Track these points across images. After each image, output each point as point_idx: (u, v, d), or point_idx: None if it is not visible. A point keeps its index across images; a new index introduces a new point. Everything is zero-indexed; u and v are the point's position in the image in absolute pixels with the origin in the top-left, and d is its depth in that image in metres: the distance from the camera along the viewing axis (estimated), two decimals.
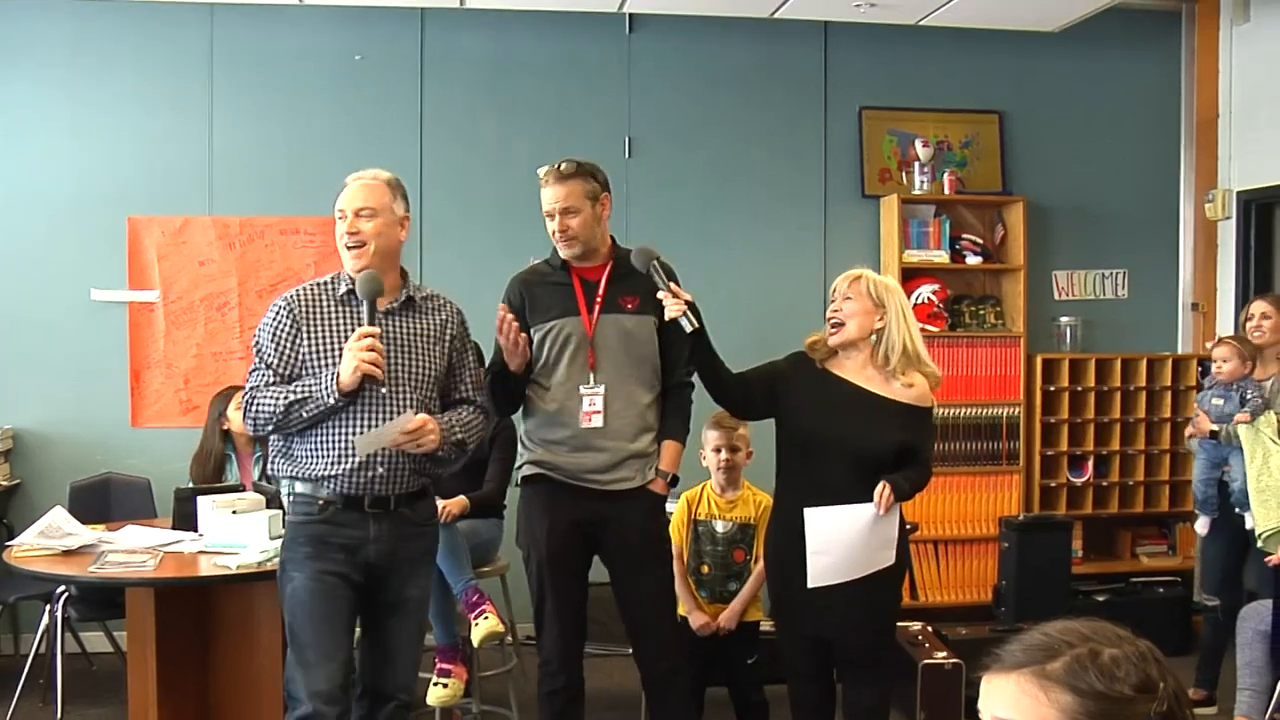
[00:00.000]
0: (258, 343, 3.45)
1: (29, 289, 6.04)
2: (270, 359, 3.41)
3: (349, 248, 3.45)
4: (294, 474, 3.43)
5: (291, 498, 3.45)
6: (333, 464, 3.38)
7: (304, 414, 3.33)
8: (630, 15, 6.40)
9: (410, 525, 3.51)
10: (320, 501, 3.39)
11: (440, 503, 4.59)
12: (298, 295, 3.46)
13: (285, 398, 3.32)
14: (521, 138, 6.30)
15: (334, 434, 3.38)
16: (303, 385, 3.34)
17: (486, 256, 6.05)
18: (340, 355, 3.35)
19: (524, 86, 6.41)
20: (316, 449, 3.39)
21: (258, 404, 3.36)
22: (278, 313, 3.43)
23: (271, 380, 3.39)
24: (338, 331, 3.42)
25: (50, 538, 4.34)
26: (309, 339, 3.41)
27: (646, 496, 3.85)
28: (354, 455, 3.36)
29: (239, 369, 6.06)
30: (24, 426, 6.04)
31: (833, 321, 3.72)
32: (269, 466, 3.58)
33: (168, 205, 6.14)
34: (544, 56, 6.43)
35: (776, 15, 6.25)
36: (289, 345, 3.41)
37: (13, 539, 4.64)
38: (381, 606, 3.47)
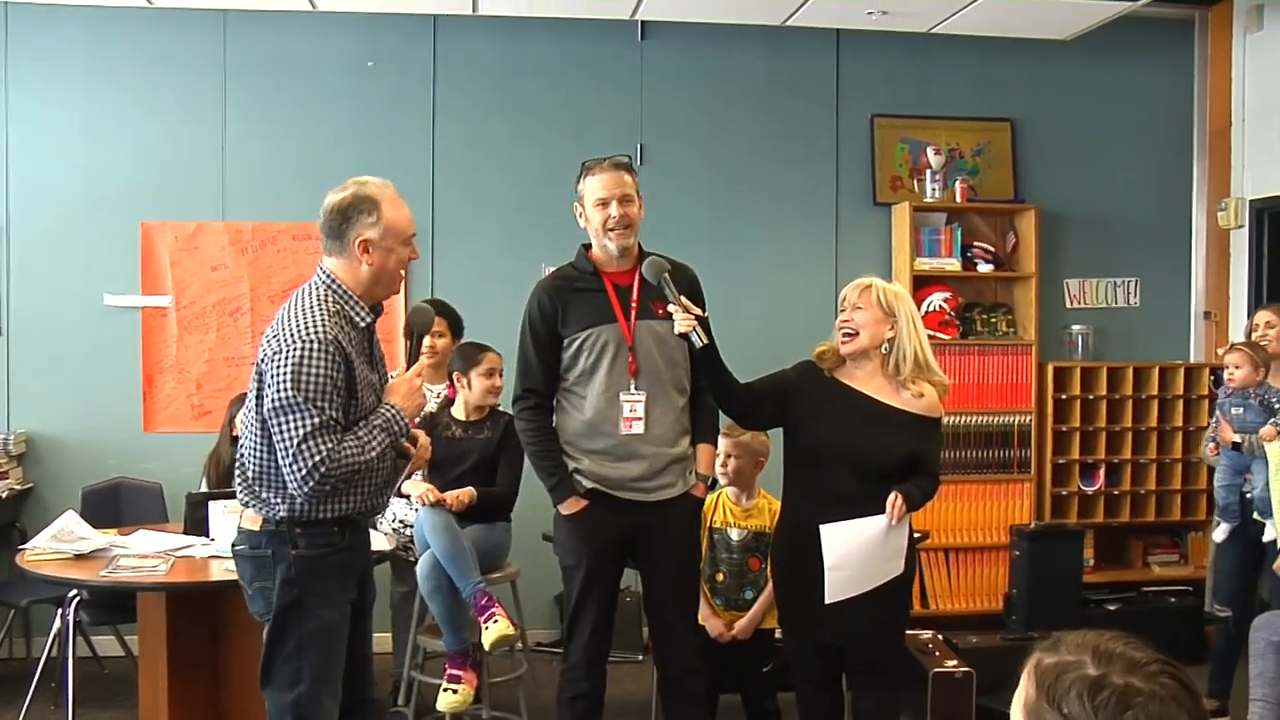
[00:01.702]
0: (312, 395, 3.01)
1: (42, 293, 6.07)
2: (335, 412, 3.05)
3: (400, 276, 3.28)
4: (312, 511, 3.14)
5: (299, 530, 3.15)
6: (364, 501, 3.22)
7: (379, 461, 3.16)
8: (643, 22, 6.41)
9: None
10: (335, 530, 3.19)
11: (452, 492, 4.60)
12: (336, 336, 3.07)
13: (370, 448, 3.10)
14: (533, 144, 6.31)
15: (374, 476, 3.22)
16: (378, 430, 3.14)
17: (497, 262, 6.08)
18: (370, 393, 3.20)
19: (536, 93, 6.42)
20: (351, 493, 3.18)
21: (342, 462, 3.04)
22: (330, 358, 3.04)
23: (339, 435, 3.06)
24: (370, 367, 3.25)
25: (62, 542, 4.37)
26: (358, 379, 3.14)
27: (687, 501, 3.89)
28: (388, 490, 3.31)
29: (250, 374, 6.06)
30: (37, 430, 6.07)
31: (845, 331, 3.71)
32: (241, 493, 3.27)
33: (181, 210, 6.17)
34: (557, 63, 6.44)
35: (789, 23, 6.25)
36: (345, 390, 3.09)
37: (25, 543, 4.67)
38: (360, 615, 3.36)
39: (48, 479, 6.02)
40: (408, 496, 4.67)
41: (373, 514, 3.37)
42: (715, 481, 3.97)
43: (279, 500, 3.15)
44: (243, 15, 6.17)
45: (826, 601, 3.61)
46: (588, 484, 3.82)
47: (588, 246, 3.91)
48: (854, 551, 3.60)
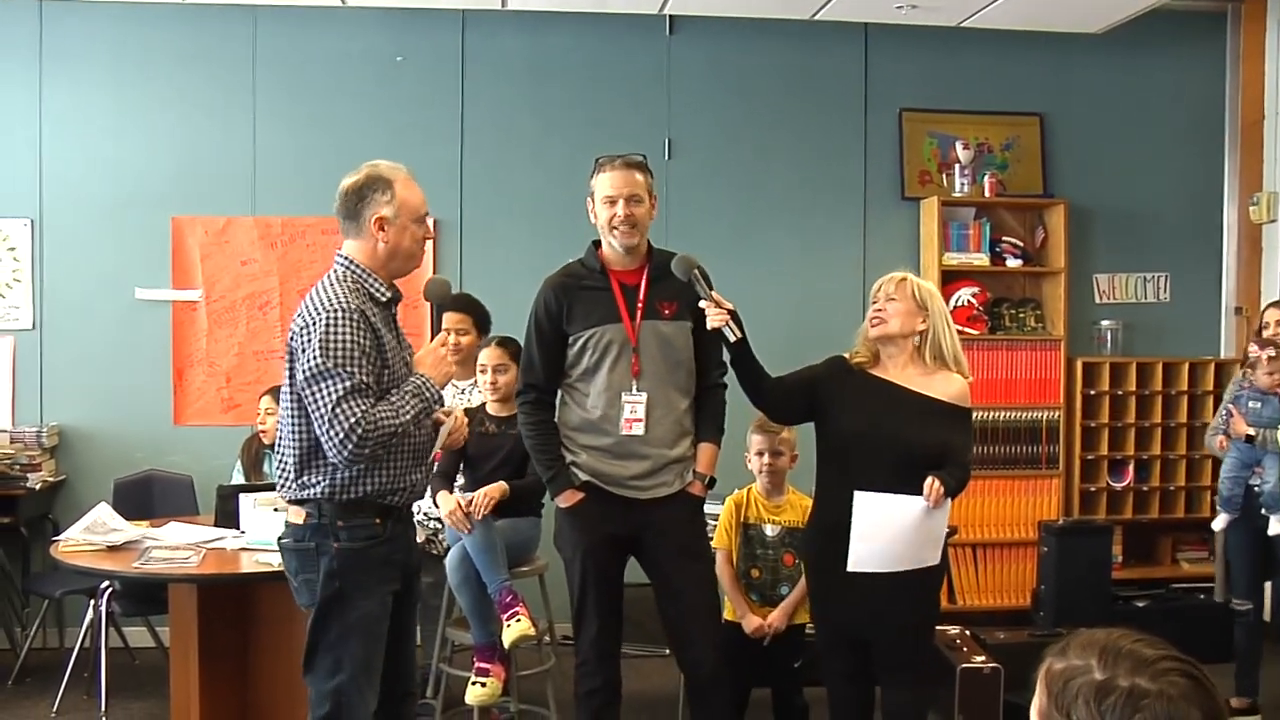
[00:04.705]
0: (341, 361, 3.08)
1: (74, 288, 6.13)
2: (367, 377, 3.11)
3: (420, 251, 3.36)
4: (350, 495, 3.19)
5: (340, 523, 3.19)
6: (402, 476, 3.27)
7: (414, 425, 3.21)
8: (671, 17, 6.41)
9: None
10: (376, 521, 3.23)
11: (480, 491, 4.57)
12: (360, 306, 3.16)
13: (404, 412, 3.16)
14: (561, 139, 6.32)
15: (407, 445, 3.27)
16: (410, 395, 3.21)
17: (524, 256, 6.06)
18: (401, 363, 3.28)
19: (565, 88, 6.43)
20: (389, 464, 3.23)
21: (379, 425, 3.09)
22: (356, 326, 3.11)
23: (373, 399, 3.13)
24: (395, 339, 3.31)
25: (95, 533, 4.41)
26: (386, 348, 3.22)
27: (685, 500, 3.86)
28: (422, 465, 3.35)
29: (280, 368, 6.08)
30: (69, 423, 6.12)
31: (876, 318, 3.74)
32: (285, 489, 3.29)
33: (211, 205, 6.21)
34: (585, 58, 6.45)
35: (817, 17, 6.24)
36: (377, 358, 3.17)
37: (58, 534, 4.71)
38: (404, 609, 3.42)
39: (80, 471, 6.07)
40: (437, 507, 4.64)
41: (411, 495, 3.35)
42: (713, 480, 3.94)
43: (322, 479, 3.19)
44: (273, 11, 6.21)
45: (848, 570, 3.61)
46: (583, 477, 3.82)
47: (598, 244, 3.90)
48: (886, 524, 3.61)
